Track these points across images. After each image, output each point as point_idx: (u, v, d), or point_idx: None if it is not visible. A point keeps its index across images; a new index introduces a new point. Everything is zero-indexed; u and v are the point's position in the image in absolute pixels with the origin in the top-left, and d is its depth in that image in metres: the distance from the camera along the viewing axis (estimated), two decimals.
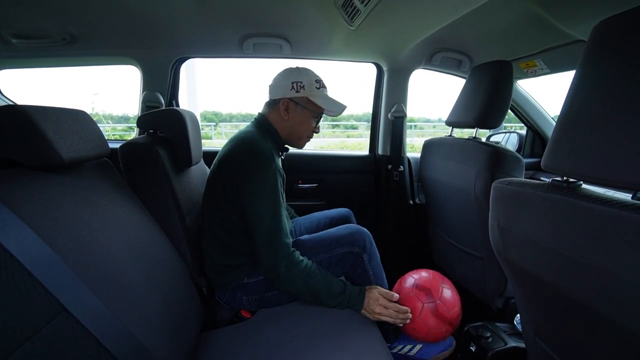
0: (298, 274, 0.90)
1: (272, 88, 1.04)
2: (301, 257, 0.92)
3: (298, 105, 1.00)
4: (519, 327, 1.04)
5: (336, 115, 1.10)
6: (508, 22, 1.11)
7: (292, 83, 0.99)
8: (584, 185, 0.55)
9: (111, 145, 0.89)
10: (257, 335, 0.89)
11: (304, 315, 0.94)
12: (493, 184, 0.71)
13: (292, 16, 1.15)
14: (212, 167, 1.02)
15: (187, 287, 0.90)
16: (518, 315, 1.07)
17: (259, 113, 1.08)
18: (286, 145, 1.10)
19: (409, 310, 0.95)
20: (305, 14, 1.13)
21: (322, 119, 1.10)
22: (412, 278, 1.05)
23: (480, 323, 1.07)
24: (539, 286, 0.65)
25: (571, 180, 0.55)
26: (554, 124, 1.66)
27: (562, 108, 0.55)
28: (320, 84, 1.02)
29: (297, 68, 1.03)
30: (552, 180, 0.58)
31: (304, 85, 0.99)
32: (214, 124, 13.75)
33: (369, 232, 1.05)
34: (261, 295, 1.00)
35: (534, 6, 0.97)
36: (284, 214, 0.93)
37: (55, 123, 0.61)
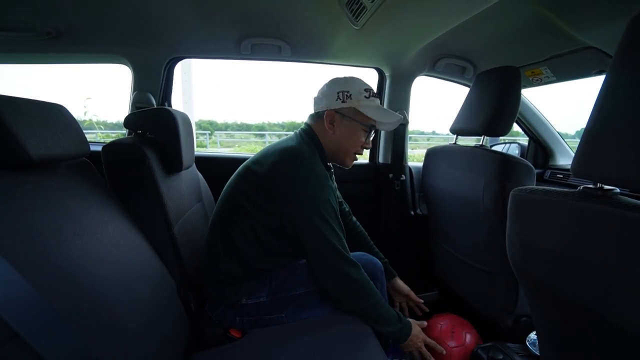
0: (367, 284, 0.87)
1: (317, 100, 0.95)
2: (360, 274, 0.87)
3: (345, 117, 0.91)
4: (532, 348, 0.97)
5: (390, 129, 1.01)
6: (514, 28, 1.09)
7: (338, 93, 0.90)
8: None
9: (97, 148, 0.82)
10: (250, 358, 0.80)
11: (300, 334, 0.86)
12: (512, 192, 0.65)
13: (292, 16, 1.11)
14: (241, 173, 0.93)
15: (173, 303, 0.82)
16: (531, 335, 1.01)
17: (305, 123, 0.98)
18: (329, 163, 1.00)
19: (443, 351, 0.97)
20: (306, 14, 1.08)
21: (373, 133, 0.99)
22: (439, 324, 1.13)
23: (490, 344, 0.99)
24: (567, 307, 0.58)
25: (606, 187, 0.50)
26: (557, 134, 1.65)
27: (592, 112, 0.50)
28: (370, 93, 0.92)
29: (344, 77, 0.94)
30: (584, 187, 0.53)
31: (350, 95, 0.89)
32: (209, 132, 13.72)
33: (380, 263, 1.08)
34: (259, 317, 0.92)
35: (543, 10, 0.94)
36: (342, 227, 0.88)
37: (25, 116, 0.54)
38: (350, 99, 0.89)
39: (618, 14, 0.84)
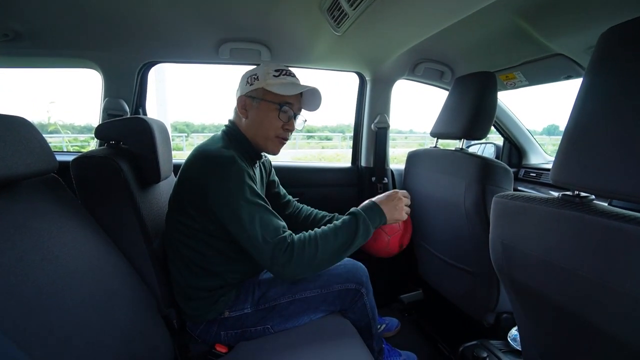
0: (301, 249, 0.76)
1: (236, 94, 0.94)
2: (295, 237, 0.78)
3: (254, 99, 0.88)
4: (513, 344, 1.01)
5: (314, 109, 0.95)
6: (490, 34, 1.12)
7: (247, 78, 0.89)
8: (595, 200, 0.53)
9: (67, 158, 0.77)
10: None
11: (288, 346, 0.85)
12: (494, 198, 0.67)
13: (272, 21, 1.08)
14: (173, 188, 0.90)
15: (154, 322, 0.78)
16: (512, 331, 1.04)
17: (228, 120, 0.96)
18: (262, 154, 0.98)
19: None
20: (287, 19, 1.06)
21: (298, 114, 0.94)
22: None
23: (475, 342, 1.02)
24: (548, 308, 0.60)
25: (583, 194, 0.52)
26: (529, 134, 1.73)
27: (569, 119, 0.52)
28: (281, 72, 0.88)
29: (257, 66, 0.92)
30: (562, 194, 0.55)
31: (257, 77, 0.87)
32: (186, 134, 13.33)
33: (364, 265, 1.04)
34: (243, 330, 0.90)
35: (517, 19, 0.97)
36: (264, 208, 0.79)
37: None
38: (258, 80, 0.87)
39: (583, 25, 0.89)
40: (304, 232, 0.80)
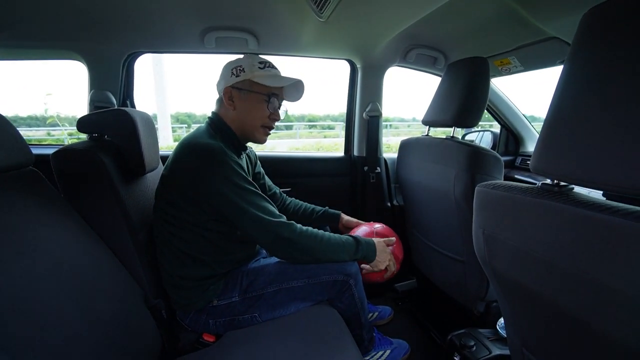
0: (305, 235, 0.87)
1: (217, 84, 0.95)
2: (291, 232, 0.86)
3: (241, 90, 0.91)
4: (502, 332, 1.01)
5: (297, 99, 1.00)
6: (483, 18, 1.08)
7: (232, 69, 0.91)
8: (576, 189, 0.51)
9: (49, 151, 0.77)
10: None
11: (277, 336, 0.86)
12: (476, 188, 0.66)
13: (257, 8, 1.05)
14: (162, 172, 0.91)
15: (140, 315, 0.79)
16: (501, 319, 1.04)
17: (211, 112, 0.98)
18: (247, 145, 1.00)
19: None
20: (271, 6, 1.03)
21: (281, 104, 0.98)
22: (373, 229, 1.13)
23: (463, 331, 1.02)
24: (528, 297, 0.60)
25: (562, 183, 0.51)
26: (526, 122, 1.70)
27: (550, 106, 0.50)
28: (265, 65, 0.92)
29: (239, 57, 0.94)
30: (542, 183, 0.53)
31: (243, 68, 0.90)
32: (187, 125, 13.31)
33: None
34: (231, 318, 0.91)
35: (510, 1, 0.94)
36: (258, 194, 0.86)
37: None
38: (244, 72, 0.90)
39: (577, 6, 0.85)
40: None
